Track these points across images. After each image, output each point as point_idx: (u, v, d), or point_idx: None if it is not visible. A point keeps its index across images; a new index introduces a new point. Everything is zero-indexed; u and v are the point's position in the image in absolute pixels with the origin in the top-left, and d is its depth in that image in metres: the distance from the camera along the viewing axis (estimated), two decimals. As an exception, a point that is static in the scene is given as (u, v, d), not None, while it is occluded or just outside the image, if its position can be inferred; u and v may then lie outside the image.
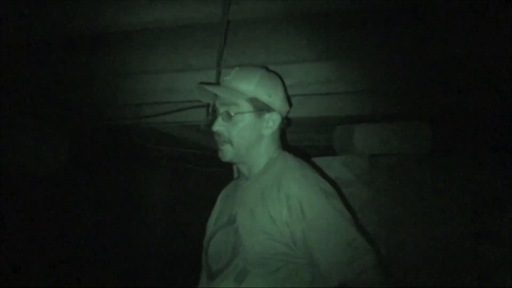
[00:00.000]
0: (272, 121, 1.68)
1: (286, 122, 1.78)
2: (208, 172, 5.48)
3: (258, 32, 1.85)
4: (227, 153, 1.65)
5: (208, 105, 2.16)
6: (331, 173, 2.36)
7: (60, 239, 4.24)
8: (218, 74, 1.99)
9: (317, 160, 2.38)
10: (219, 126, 1.65)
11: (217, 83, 1.88)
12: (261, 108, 1.66)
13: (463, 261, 2.35)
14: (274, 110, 1.68)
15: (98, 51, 2.12)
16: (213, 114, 1.72)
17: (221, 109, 1.66)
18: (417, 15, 1.74)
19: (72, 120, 3.11)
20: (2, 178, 3.27)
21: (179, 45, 1.96)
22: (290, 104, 1.81)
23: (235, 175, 2.43)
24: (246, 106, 1.64)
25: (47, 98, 2.70)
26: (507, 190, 2.39)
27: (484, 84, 2.14)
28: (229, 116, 1.63)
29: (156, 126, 3.12)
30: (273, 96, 1.68)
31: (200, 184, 5.90)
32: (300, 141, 3.56)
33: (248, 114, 1.64)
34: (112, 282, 4.81)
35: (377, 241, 2.38)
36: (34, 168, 3.25)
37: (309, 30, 1.84)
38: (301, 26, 1.82)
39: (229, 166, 2.54)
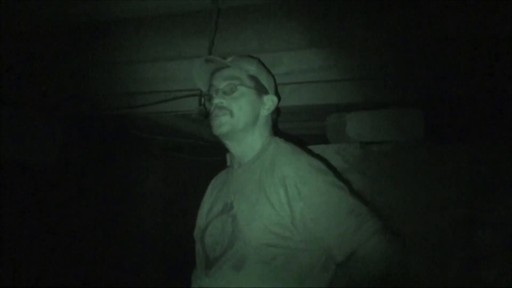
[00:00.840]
0: (270, 104, 1.70)
1: (277, 112, 1.80)
2: (202, 162, 5.47)
3: (250, 19, 1.85)
4: (225, 123, 1.61)
5: (201, 94, 2.15)
6: (324, 162, 2.36)
7: (54, 229, 4.24)
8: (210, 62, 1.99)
9: (310, 149, 2.38)
10: (219, 98, 1.63)
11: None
12: (260, 89, 1.67)
13: (458, 248, 2.35)
14: (270, 94, 1.71)
15: (90, 40, 2.12)
16: (209, 95, 1.70)
17: (222, 84, 1.65)
18: (410, 1, 1.74)
19: (65, 110, 3.10)
20: (-4, 168, 3.27)
21: (171, 33, 1.96)
22: (278, 97, 1.82)
23: (228, 164, 2.43)
24: (248, 82, 1.65)
25: (41, 88, 2.69)
26: (502, 177, 2.39)
27: (479, 70, 2.14)
28: (231, 89, 1.63)
29: (150, 115, 3.11)
30: (269, 80, 1.72)
31: (195, 174, 5.89)
32: (292, 129, 3.56)
33: (250, 89, 1.65)
34: (107, 271, 4.82)
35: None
36: (27, 158, 3.24)
37: (301, 17, 1.83)
38: (293, 13, 1.82)
39: (222, 156, 2.54)
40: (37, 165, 3.46)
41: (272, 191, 1.50)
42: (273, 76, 1.81)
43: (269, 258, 1.47)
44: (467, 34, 1.83)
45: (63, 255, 4.30)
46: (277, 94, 1.79)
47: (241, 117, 1.62)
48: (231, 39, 1.90)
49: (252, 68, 1.68)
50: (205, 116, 2.18)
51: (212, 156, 5.03)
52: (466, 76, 2.27)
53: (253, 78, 1.66)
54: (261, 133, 1.69)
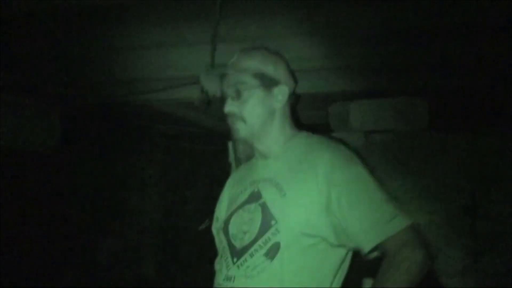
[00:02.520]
0: (281, 95, 1.67)
1: (295, 98, 1.78)
2: (202, 150, 5.46)
3: (253, 5, 1.82)
4: (240, 130, 1.65)
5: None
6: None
7: (53, 216, 4.23)
8: (213, 48, 1.97)
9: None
10: (229, 106, 1.64)
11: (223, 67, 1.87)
12: (268, 84, 1.65)
13: (459, 237, 2.35)
14: (281, 84, 1.67)
15: (89, 25, 2.09)
16: (221, 100, 1.70)
17: (229, 90, 1.66)
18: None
19: (64, 97, 3.08)
20: (-5, 155, 3.25)
21: (173, 19, 1.93)
22: (295, 80, 1.79)
23: (230, 154, 2.41)
24: (253, 82, 1.64)
25: (40, 74, 2.67)
26: (503, 166, 2.38)
27: (483, 60, 2.12)
28: (238, 93, 1.63)
29: (150, 103, 3.09)
30: (277, 70, 1.68)
31: (195, 162, 5.89)
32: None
33: (256, 89, 1.63)
34: (106, 258, 4.83)
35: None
36: (26, 145, 3.22)
37: (304, 4, 1.81)
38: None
39: (224, 144, 2.52)
40: (35, 153, 3.44)
41: (308, 179, 1.49)
42: (284, 60, 1.77)
43: (304, 247, 1.47)
44: (472, 23, 1.81)
45: (61, 242, 4.30)
46: (292, 78, 1.76)
47: (254, 119, 1.63)
48: (233, 25, 1.87)
49: (255, 64, 1.66)
50: (207, 103, 2.16)
51: (212, 144, 5.03)
52: (470, 66, 2.25)
53: (258, 75, 1.64)
54: (282, 125, 1.69)
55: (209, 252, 1.80)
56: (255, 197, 1.60)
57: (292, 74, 1.78)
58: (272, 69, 1.66)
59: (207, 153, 5.18)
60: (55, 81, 2.74)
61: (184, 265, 5.44)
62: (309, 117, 3.49)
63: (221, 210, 1.80)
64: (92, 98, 2.98)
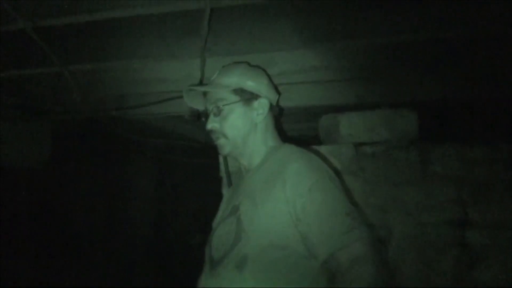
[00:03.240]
0: (262, 108, 1.71)
1: (277, 109, 1.81)
2: (194, 163, 5.46)
3: (242, 19, 1.84)
4: (224, 146, 1.70)
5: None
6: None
7: (45, 232, 4.20)
8: (203, 62, 1.98)
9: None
10: (211, 123, 1.70)
11: (204, 84, 1.90)
12: (248, 97, 1.69)
13: (451, 249, 2.35)
14: (261, 97, 1.71)
15: (79, 40, 2.09)
16: (205, 117, 1.75)
17: (210, 107, 1.71)
18: (402, 2, 1.74)
19: (55, 113, 3.07)
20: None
21: (163, 34, 1.94)
22: (277, 91, 1.82)
23: (222, 168, 2.42)
24: (233, 97, 1.68)
25: (29, 90, 2.66)
26: (494, 177, 2.39)
27: (472, 71, 2.14)
28: (218, 110, 1.68)
29: (141, 117, 3.09)
30: (257, 83, 1.72)
31: (186, 175, 5.88)
32: (286, 131, 3.54)
33: (236, 104, 1.68)
34: (99, 274, 4.79)
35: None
36: (17, 161, 3.21)
37: (293, 17, 1.83)
38: (285, 13, 1.81)
39: (215, 157, 2.52)
40: (27, 169, 3.43)
41: (277, 190, 1.51)
42: (265, 73, 1.80)
43: (272, 260, 1.48)
44: (460, 36, 1.83)
45: (54, 257, 4.27)
46: (274, 89, 1.80)
47: (236, 134, 1.69)
48: (223, 39, 1.89)
49: (234, 80, 1.71)
50: (197, 117, 2.17)
51: (204, 158, 5.02)
52: (459, 77, 2.26)
53: (237, 90, 1.69)
54: (264, 137, 1.73)
55: (200, 265, 1.81)
56: (234, 210, 1.63)
57: (274, 86, 1.81)
58: (251, 83, 1.71)
59: (198, 166, 5.18)
60: (46, 97, 2.73)
61: (175, 277, 5.41)
62: (299, 129, 3.50)
63: (214, 223, 1.84)
64: (83, 113, 2.97)
